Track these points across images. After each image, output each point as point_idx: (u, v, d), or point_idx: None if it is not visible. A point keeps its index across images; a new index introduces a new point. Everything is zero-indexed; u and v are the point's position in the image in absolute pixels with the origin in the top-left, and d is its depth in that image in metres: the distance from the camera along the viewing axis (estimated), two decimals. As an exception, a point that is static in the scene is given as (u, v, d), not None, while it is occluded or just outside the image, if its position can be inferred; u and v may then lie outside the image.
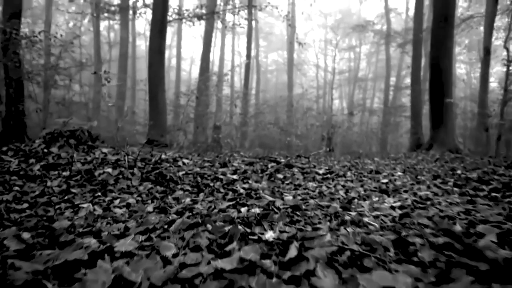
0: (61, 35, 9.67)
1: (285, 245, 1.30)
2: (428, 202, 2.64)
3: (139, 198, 2.70)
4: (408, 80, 22.88)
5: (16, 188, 2.79)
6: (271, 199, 2.56)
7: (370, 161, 6.91)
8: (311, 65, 37.72)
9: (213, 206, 2.34)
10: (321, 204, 2.46)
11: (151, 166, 3.67)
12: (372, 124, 24.78)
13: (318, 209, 2.30)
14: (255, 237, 1.39)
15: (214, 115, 13.89)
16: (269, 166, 4.68)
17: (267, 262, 1.14)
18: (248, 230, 1.49)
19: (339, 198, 2.88)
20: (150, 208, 2.33)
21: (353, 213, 2.11)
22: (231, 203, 2.44)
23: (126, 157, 3.61)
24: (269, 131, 13.92)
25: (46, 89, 11.64)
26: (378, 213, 2.18)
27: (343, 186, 3.69)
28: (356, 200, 2.85)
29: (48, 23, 19.48)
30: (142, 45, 32.84)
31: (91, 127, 5.06)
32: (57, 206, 2.36)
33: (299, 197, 2.82)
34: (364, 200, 2.88)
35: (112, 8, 15.59)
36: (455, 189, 3.35)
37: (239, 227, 1.48)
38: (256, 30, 27.92)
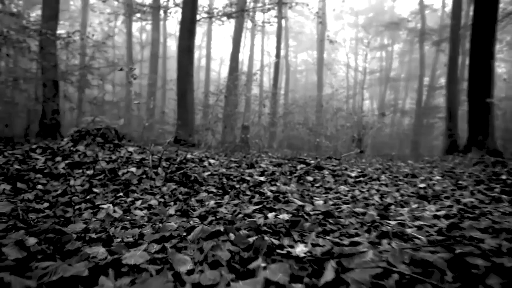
0: (92, 35, 9.83)
1: (319, 263, 1.10)
2: (477, 211, 2.37)
3: (162, 200, 2.58)
4: (443, 80, 21.90)
5: (39, 186, 2.74)
6: (300, 203, 2.39)
7: (403, 164, 6.58)
8: (341, 65, 36.97)
9: (238, 210, 2.18)
10: (356, 210, 2.25)
11: (176, 166, 3.56)
12: (404, 126, 23.94)
13: (353, 216, 2.10)
14: (284, 252, 1.20)
15: (242, 115, 13.77)
16: (298, 167, 4.49)
17: (299, 287, 0.94)
18: (276, 242, 1.31)
19: (374, 204, 2.66)
20: (171, 210, 2.20)
21: (392, 222, 1.89)
22: (257, 207, 2.28)
23: (150, 156, 3.52)
24: (298, 131, 13.67)
25: (80, 89, 11.94)
26: (421, 222, 1.95)
27: (378, 190, 3.47)
28: (393, 206, 2.63)
29: (84, 25, 20.11)
30: (173, 45, 33.26)
31: (119, 126, 5.03)
32: (77, 207, 2.27)
33: (330, 202, 2.63)
34: (402, 207, 2.65)
35: (144, 9, 15.80)
36: (504, 196, 3.05)
37: (266, 238, 1.30)
38: (286, 30, 27.64)
